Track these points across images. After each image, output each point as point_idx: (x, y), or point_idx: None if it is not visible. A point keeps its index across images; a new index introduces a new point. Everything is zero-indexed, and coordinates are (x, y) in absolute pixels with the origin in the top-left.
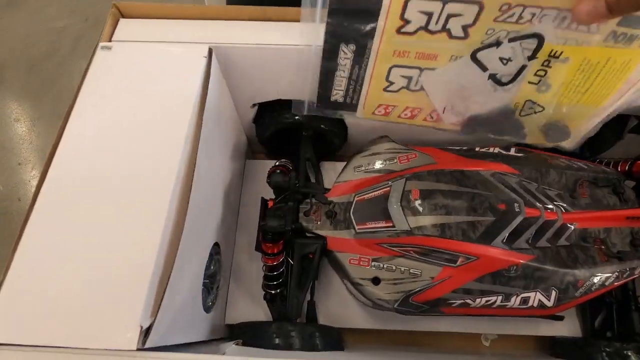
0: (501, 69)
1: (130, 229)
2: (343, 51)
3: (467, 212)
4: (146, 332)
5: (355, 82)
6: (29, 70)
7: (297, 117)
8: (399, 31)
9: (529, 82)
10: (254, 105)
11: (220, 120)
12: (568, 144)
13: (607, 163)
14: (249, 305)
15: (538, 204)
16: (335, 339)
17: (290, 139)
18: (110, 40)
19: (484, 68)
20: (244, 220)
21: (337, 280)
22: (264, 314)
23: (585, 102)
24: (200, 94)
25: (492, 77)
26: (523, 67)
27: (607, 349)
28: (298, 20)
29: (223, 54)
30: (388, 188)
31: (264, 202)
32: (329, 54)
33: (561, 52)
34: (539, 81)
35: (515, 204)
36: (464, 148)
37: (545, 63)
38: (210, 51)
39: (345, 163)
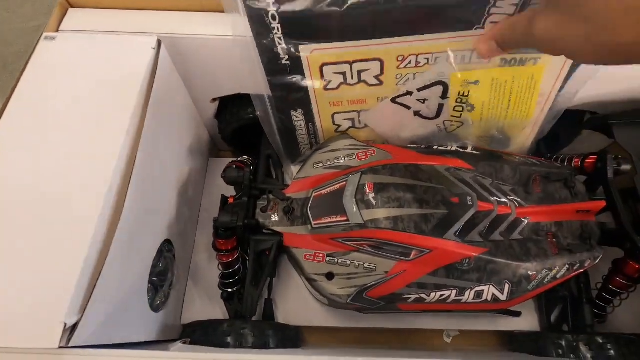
0: (423, 108)
1: (61, 225)
2: (294, 116)
3: (420, 204)
4: (72, 330)
5: (314, 134)
6: (3, 69)
7: (258, 113)
8: (325, 88)
9: (454, 111)
10: (214, 100)
11: (172, 114)
12: (514, 151)
13: (562, 160)
14: (207, 305)
15: (491, 197)
16: (291, 337)
17: (253, 136)
18: (57, 31)
19: (407, 107)
20: (205, 219)
21: (297, 278)
22: (221, 313)
23: (513, 116)
24: (146, 87)
25: (417, 114)
26: (441, 105)
27: (559, 342)
28: None
29: (176, 45)
30: (344, 182)
31: (224, 199)
32: (283, 120)
33: (471, 78)
34: (462, 108)
35: (468, 198)
36: (423, 146)
37: (460, 97)
38: (159, 42)
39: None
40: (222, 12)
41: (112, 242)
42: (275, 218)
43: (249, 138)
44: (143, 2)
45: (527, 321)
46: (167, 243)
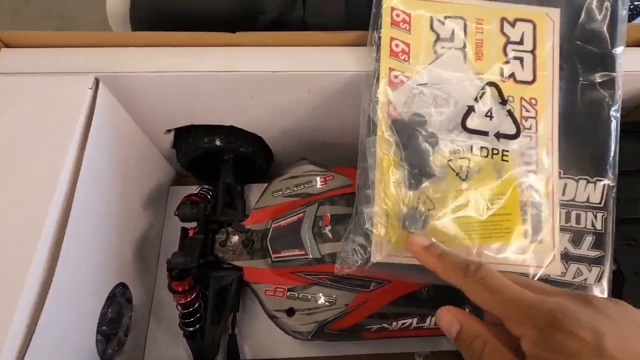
0: None
1: None
2: None
3: None
4: None
5: None
6: None
7: (214, 142)
8: None
9: None
10: (168, 131)
11: (119, 150)
12: None
13: None
14: (171, 344)
15: None
16: None
17: (214, 163)
18: None
19: None
20: (166, 253)
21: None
22: (185, 351)
23: None
24: (83, 127)
25: None
26: None
27: None
28: (198, 45)
29: (119, 83)
30: (302, 214)
31: (184, 232)
32: None
33: None
34: None
35: None
36: None
37: None
38: (97, 81)
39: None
40: (168, 46)
41: (46, 298)
42: (234, 252)
43: (210, 165)
44: (82, 39)
45: None
46: (121, 287)
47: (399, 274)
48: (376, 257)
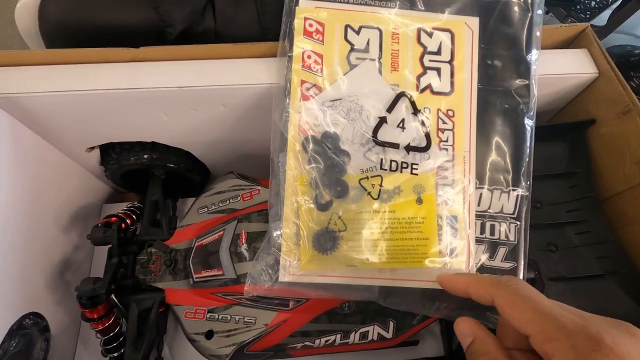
0: None
1: None
2: None
3: None
4: None
5: None
6: None
7: (140, 158)
8: None
9: None
10: (91, 149)
11: (27, 177)
12: None
13: None
14: None
15: None
16: None
17: (146, 178)
18: None
19: None
20: (97, 274)
21: None
22: None
23: None
24: None
25: None
26: None
27: None
28: (101, 62)
29: (20, 105)
30: (222, 231)
31: (111, 252)
32: None
33: None
34: None
35: None
36: None
37: None
38: None
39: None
40: (69, 64)
41: None
42: (156, 273)
43: (143, 180)
44: None
45: (432, 347)
46: (32, 316)
47: (312, 292)
48: (284, 277)
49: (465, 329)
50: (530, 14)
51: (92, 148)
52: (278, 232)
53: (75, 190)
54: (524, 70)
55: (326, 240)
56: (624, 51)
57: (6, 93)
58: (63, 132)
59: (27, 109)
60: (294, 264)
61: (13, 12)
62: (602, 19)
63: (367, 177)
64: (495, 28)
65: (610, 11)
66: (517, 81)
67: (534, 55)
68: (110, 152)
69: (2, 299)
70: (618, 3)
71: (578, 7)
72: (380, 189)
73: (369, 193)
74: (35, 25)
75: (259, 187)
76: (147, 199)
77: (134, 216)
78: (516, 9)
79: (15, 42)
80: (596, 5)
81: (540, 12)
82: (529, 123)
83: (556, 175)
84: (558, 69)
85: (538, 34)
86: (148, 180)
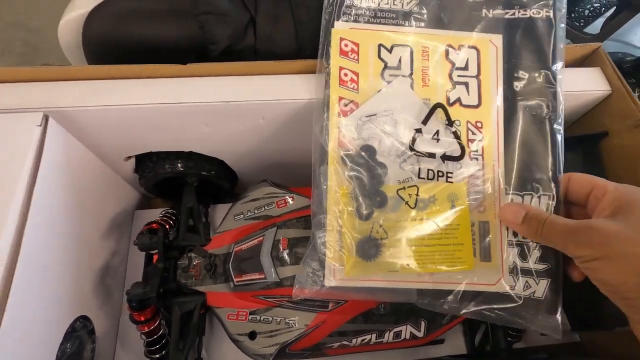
0: None
1: None
2: None
3: None
4: None
5: None
6: None
7: (175, 167)
8: None
9: None
10: (128, 158)
11: (75, 185)
12: None
13: None
14: None
15: None
16: None
17: (178, 185)
18: None
19: None
20: (133, 279)
21: None
22: None
23: None
24: (32, 164)
25: None
26: None
27: None
28: (148, 77)
29: (70, 117)
30: (262, 237)
31: (148, 257)
32: None
33: None
34: None
35: None
36: None
37: None
38: (45, 118)
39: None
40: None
41: None
42: (197, 277)
43: (175, 188)
44: (29, 75)
45: (455, 345)
46: (82, 319)
47: (354, 295)
48: (330, 282)
49: (516, 207)
50: (554, 29)
51: (130, 157)
52: (323, 239)
53: (111, 198)
54: (551, 79)
55: (370, 248)
56: (616, 58)
57: (59, 107)
58: (106, 143)
59: (77, 121)
60: (338, 269)
61: (14, 15)
62: (595, 27)
63: (404, 188)
64: (521, 42)
65: (604, 19)
66: (545, 90)
67: (559, 66)
68: (146, 161)
69: (59, 303)
70: (611, 12)
71: (572, 15)
72: (416, 199)
73: (406, 202)
74: (77, 39)
75: (292, 195)
76: (182, 206)
77: (171, 222)
78: (540, 23)
79: (17, 46)
80: (590, 14)
81: (562, 25)
82: (558, 129)
83: None
84: (573, 86)
85: (562, 46)
86: (178, 187)
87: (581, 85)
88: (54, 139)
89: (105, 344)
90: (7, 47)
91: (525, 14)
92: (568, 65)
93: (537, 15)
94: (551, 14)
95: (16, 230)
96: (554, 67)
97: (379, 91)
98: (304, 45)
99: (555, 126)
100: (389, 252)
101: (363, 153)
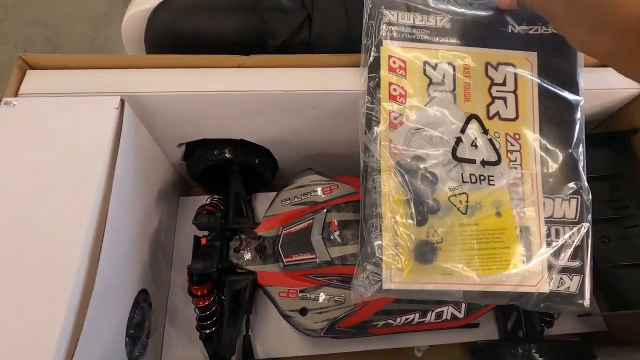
0: None
1: (38, 285)
2: None
3: None
4: None
5: None
6: None
7: (224, 154)
8: None
9: None
10: (181, 144)
11: (140, 165)
12: None
13: None
14: (186, 346)
15: None
16: None
17: (222, 174)
18: (16, 95)
19: None
20: (178, 260)
21: (275, 310)
22: (201, 353)
23: None
24: (111, 145)
25: None
26: None
27: (512, 350)
28: (213, 67)
29: (139, 102)
30: (311, 220)
31: (197, 240)
32: None
33: None
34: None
35: None
36: None
37: None
38: (122, 102)
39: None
40: (185, 67)
41: (89, 302)
42: (248, 257)
43: (218, 176)
44: (104, 61)
45: (488, 330)
46: (143, 292)
47: (408, 296)
48: (388, 285)
49: None
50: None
51: (182, 144)
52: (378, 243)
53: (164, 183)
54: (574, 90)
55: (427, 252)
56: None
57: (131, 92)
58: (166, 129)
59: (146, 107)
60: (396, 273)
61: (36, 12)
62: None
63: (455, 195)
64: (552, 59)
65: None
66: (569, 101)
67: (580, 76)
68: (196, 148)
69: (128, 276)
70: None
71: None
72: (467, 205)
73: (458, 208)
74: (140, 32)
75: (337, 183)
76: (231, 191)
77: (221, 206)
78: (561, 39)
79: (37, 43)
80: None
81: None
82: (581, 138)
83: (601, 177)
84: (606, 84)
85: (581, 60)
86: (220, 177)
87: (612, 83)
88: (127, 123)
89: (157, 319)
90: (28, 44)
91: (548, 30)
92: (599, 65)
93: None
94: None
95: (101, 205)
96: (577, 77)
97: (425, 105)
98: (355, 41)
99: (579, 135)
100: (445, 256)
101: (414, 162)
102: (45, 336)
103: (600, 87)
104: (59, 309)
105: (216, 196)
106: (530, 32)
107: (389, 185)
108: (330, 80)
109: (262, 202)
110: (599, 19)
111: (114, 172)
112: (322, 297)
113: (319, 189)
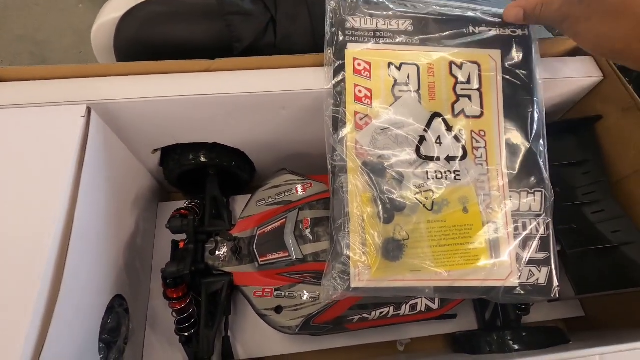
0: None
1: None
2: None
3: None
4: None
5: None
6: None
7: (199, 158)
8: None
9: None
10: (155, 150)
11: (112, 173)
12: None
13: None
14: (167, 350)
15: None
16: None
17: (199, 179)
18: None
19: None
20: (158, 265)
21: (253, 312)
22: (182, 357)
23: None
24: (78, 152)
25: None
26: None
27: (488, 339)
28: (180, 72)
29: (108, 110)
30: (284, 219)
31: (175, 244)
32: None
33: None
34: None
35: None
36: None
37: None
38: (89, 110)
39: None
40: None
41: (55, 308)
42: (223, 259)
43: (196, 180)
44: (71, 72)
45: (467, 321)
46: (118, 298)
47: (378, 294)
48: (356, 283)
49: (514, 10)
50: (532, 42)
51: (157, 150)
52: (346, 243)
53: (140, 190)
54: (534, 86)
55: (394, 249)
56: None
57: (99, 100)
58: (138, 136)
59: (115, 114)
60: (364, 271)
61: (21, 28)
62: None
63: (421, 192)
64: (512, 57)
65: None
66: (528, 97)
67: (537, 74)
68: (171, 154)
69: (100, 282)
70: None
71: None
72: (433, 201)
73: (423, 205)
74: (109, 42)
75: (310, 182)
76: (207, 194)
77: (197, 210)
78: (519, 39)
79: (24, 58)
80: None
81: (537, 41)
82: (540, 129)
83: (570, 164)
84: (569, 73)
85: (537, 56)
86: (199, 181)
87: (575, 72)
88: (95, 131)
89: (136, 324)
90: (15, 60)
91: (505, 32)
92: (562, 55)
93: (515, 34)
94: (526, 32)
95: (67, 212)
96: (535, 74)
97: (390, 106)
98: (319, 43)
99: (536, 125)
100: (411, 253)
101: (380, 162)
102: (11, 341)
103: (565, 76)
104: (25, 315)
105: (193, 200)
106: (490, 32)
107: (355, 185)
108: (297, 80)
109: (242, 204)
110: (620, 5)
111: (80, 179)
112: (296, 294)
113: (293, 189)
